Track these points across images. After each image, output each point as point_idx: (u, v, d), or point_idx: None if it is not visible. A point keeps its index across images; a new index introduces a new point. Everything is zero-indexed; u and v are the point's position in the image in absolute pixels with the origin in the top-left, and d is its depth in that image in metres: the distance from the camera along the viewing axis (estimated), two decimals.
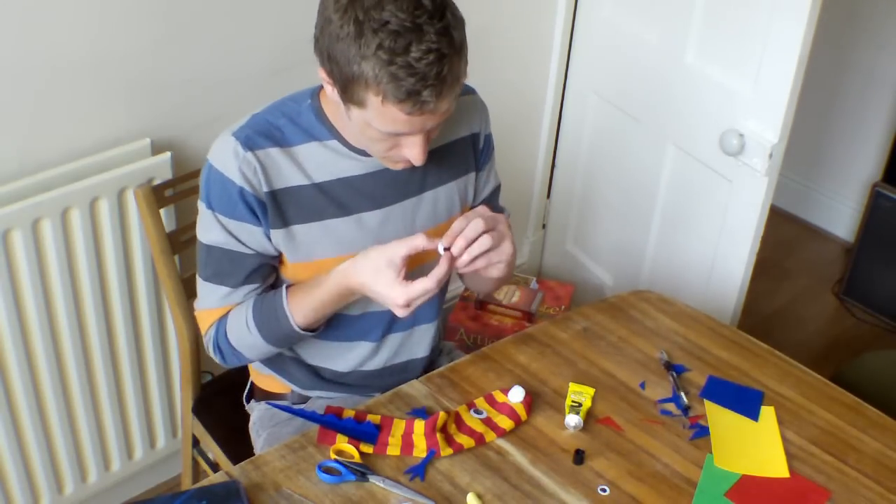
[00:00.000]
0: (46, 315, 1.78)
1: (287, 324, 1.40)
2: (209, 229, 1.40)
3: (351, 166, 1.41)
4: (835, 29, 3.08)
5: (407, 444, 1.36)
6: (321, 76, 1.28)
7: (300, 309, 1.39)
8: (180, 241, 1.78)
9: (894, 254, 3.03)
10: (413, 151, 1.29)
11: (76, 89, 1.74)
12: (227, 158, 1.35)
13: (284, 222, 1.39)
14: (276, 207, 1.38)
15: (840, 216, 3.49)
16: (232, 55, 1.93)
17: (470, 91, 1.54)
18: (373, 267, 1.31)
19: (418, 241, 1.29)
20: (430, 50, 1.17)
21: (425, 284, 1.28)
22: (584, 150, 2.71)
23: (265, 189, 1.36)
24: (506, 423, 1.40)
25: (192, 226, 1.79)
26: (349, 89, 1.23)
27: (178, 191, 1.79)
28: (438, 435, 1.35)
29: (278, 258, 1.44)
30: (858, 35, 3.23)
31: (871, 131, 3.30)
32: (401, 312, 1.32)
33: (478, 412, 1.43)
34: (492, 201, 1.62)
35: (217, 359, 1.50)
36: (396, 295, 1.29)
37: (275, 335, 1.42)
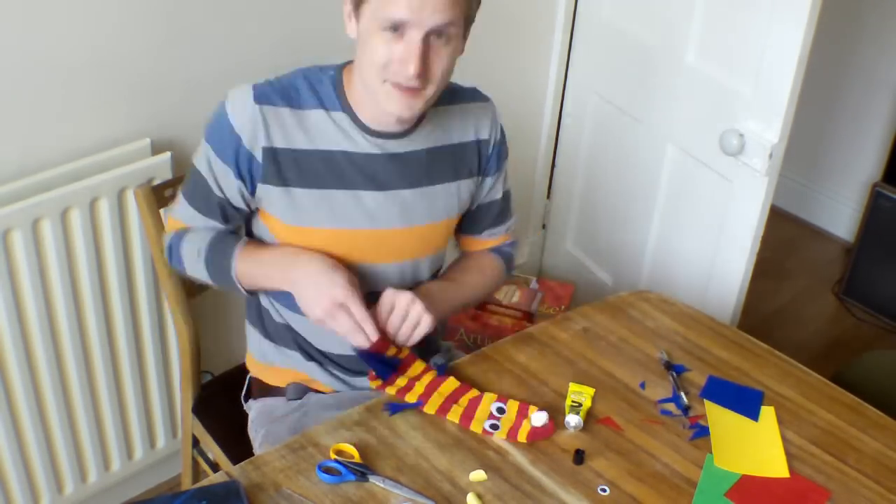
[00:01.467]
0: (46, 315, 1.78)
1: (228, 273, 1.47)
2: (200, 157, 1.47)
3: (355, 143, 1.43)
4: (835, 29, 3.08)
5: (408, 388, 1.44)
6: (345, 13, 1.37)
7: (245, 267, 1.46)
8: None
9: (894, 254, 3.03)
10: (408, 48, 1.29)
11: (76, 89, 1.74)
12: (237, 105, 1.40)
13: (283, 182, 1.42)
14: (275, 165, 1.41)
15: (840, 216, 3.50)
16: (232, 55, 1.93)
17: (484, 98, 1.56)
18: (317, 280, 1.39)
19: (368, 328, 1.39)
20: None
21: (344, 324, 1.39)
22: (584, 150, 2.71)
23: (263, 144, 1.39)
24: (522, 435, 1.39)
25: None
26: None
27: (178, 191, 1.79)
28: (437, 394, 1.43)
29: (244, 215, 1.51)
30: (859, 35, 3.23)
31: (871, 131, 3.31)
32: (316, 313, 1.39)
33: (500, 411, 1.43)
34: (496, 208, 1.64)
35: (165, 255, 1.58)
36: (322, 305, 1.38)
37: (217, 275, 1.50)
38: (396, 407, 1.41)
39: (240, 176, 1.43)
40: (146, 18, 1.77)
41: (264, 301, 1.58)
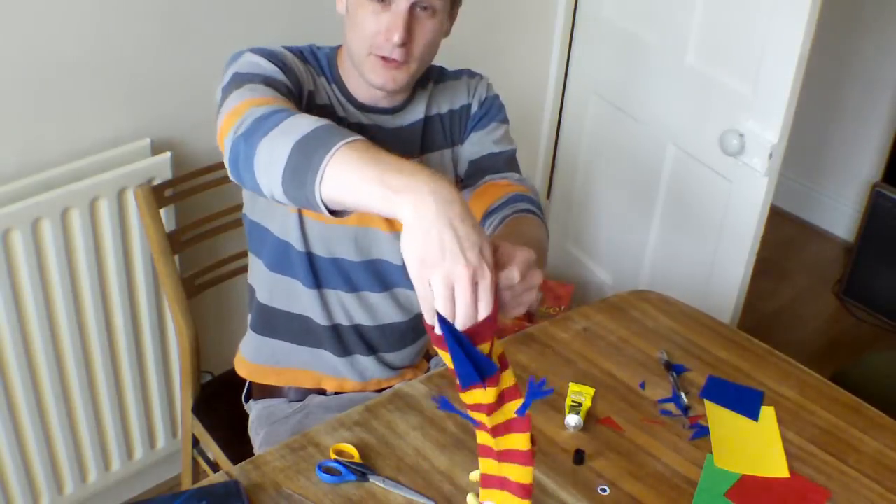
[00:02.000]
0: (46, 315, 1.78)
1: (317, 161, 1.00)
2: (255, 65, 1.27)
3: (351, 113, 1.44)
4: (835, 29, 3.09)
5: (487, 409, 1.01)
6: None
7: (353, 157, 0.99)
8: (180, 241, 1.78)
9: (894, 254, 3.03)
10: (394, 19, 1.31)
11: (76, 89, 1.74)
12: (277, 47, 1.36)
13: None
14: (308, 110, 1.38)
15: (840, 216, 3.50)
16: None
17: (473, 75, 1.57)
18: (457, 226, 0.93)
19: (484, 303, 0.95)
20: None
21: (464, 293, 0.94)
22: (584, 150, 2.71)
23: (310, 88, 1.39)
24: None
25: (192, 226, 1.81)
26: None
27: (177, 191, 1.79)
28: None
29: None
30: (859, 35, 3.23)
31: (871, 131, 3.31)
32: (434, 262, 0.92)
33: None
34: (499, 165, 1.51)
35: (227, 155, 1.13)
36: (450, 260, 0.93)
37: (303, 160, 1.02)
38: (448, 405, 1.07)
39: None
40: (146, 18, 1.77)
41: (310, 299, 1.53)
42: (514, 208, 1.40)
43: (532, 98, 2.70)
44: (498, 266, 0.97)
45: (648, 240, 2.50)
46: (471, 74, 1.57)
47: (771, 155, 1.98)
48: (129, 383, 1.98)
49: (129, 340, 1.94)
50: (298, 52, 1.42)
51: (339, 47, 1.47)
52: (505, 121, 1.58)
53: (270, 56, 1.31)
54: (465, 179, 1.54)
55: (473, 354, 0.97)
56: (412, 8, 1.32)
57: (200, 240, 1.83)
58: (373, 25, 1.33)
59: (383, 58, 1.34)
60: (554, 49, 2.64)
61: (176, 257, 1.76)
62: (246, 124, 1.09)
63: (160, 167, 1.83)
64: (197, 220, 1.81)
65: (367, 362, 1.61)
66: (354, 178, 0.97)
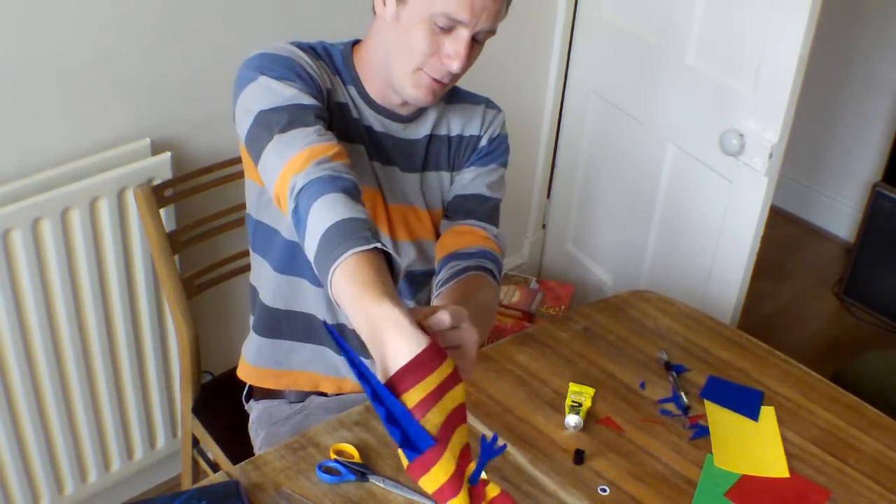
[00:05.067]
0: (46, 315, 1.78)
1: (330, 256, 1.08)
2: (274, 92, 1.27)
3: (366, 114, 1.43)
4: (835, 29, 3.09)
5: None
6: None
7: (351, 269, 1.06)
8: (180, 241, 1.78)
9: (894, 254, 3.03)
10: (456, 46, 1.30)
11: (76, 89, 1.74)
12: (289, 46, 1.34)
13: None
14: (334, 114, 1.37)
15: (840, 216, 3.50)
16: (232, 55, 1.92)
17: (493, 106, 1.56)
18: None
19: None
20: None
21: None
22: (584, 150, 2.71)
23: (328, 86, 1.37)
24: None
25: (193, 226, 1.81)
26: None
27: (178, 191, 1.79)
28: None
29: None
30: (859, 35, 3.23)
31: (871, 131, 3.31)
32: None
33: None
34: (484, 212, 1.53)
35: (292, 220, 1.20)
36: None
37: (320, 259, 1.11)
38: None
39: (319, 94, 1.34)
40: (146, 18, 1.77)
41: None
42: (480, 264, 1.44)
43: (532, 98, 2.70)
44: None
45: (648, 240, 2.50)
46: (490, 105, 1.55)
47: (771, 155, 1.98)
48: (129, 383, 1.98)
49: (129, 340, 1.94)
50: (310, 49, 1.40)
51: (353, 44, 1.45)
52: (504, 164, 1.58)
53: (284, 71, 1.29)
54: (448, 210, 1.54)
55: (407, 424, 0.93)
56: (472, 36, 1.31)
57: (200, 240, 1.83)
58: (431, 45, 1.31)
59: (433, 77, 1.33)
60: (554, 49, 2.64)
61: (176, 257, 1.76)
62: (293, 201, 1.18)
63: (160, 167, 1.83)
64: (197, 220, 1.81)
65: (367, 363, 1.60)
66: (347, 298, 1.04)
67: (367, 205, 1.35)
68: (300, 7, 1.99)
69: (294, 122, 1.25)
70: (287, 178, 1.20)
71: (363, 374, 0.96)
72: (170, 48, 1.83)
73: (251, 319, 1.64)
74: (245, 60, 1.34)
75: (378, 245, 1.07)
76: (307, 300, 1.53)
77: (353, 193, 1.18)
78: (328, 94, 1.37)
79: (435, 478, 0.95)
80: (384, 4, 1.35)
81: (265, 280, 1.56)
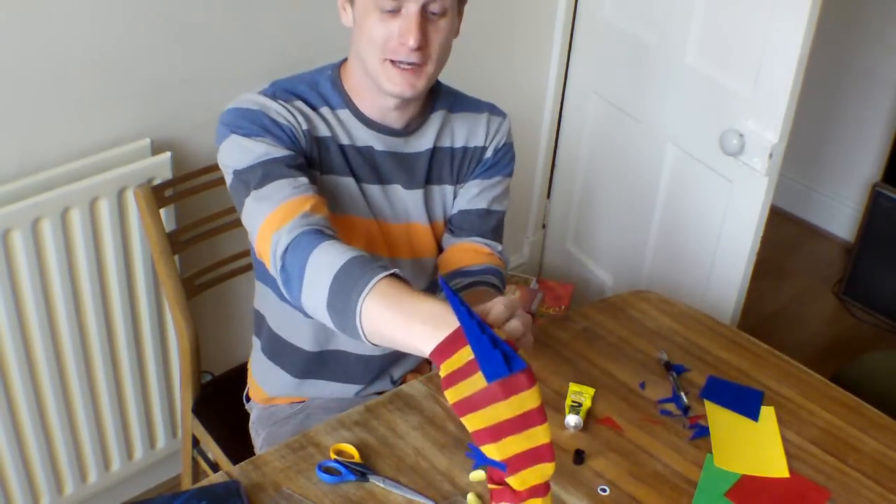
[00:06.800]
0: (46, 315, 1.78)
1: (356, 297, 1.10)
2: (245, 150, 1.30)
3: (361, 136, 1.42)
4: (835, 29, 3.09)
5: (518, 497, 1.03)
6: (339, 4, 1.36)
7: (382, 294, 1.09)
8: (180, 241, 1.78)
9: (894, 254, 3.03)
10: (407, 22, 1.29)
11: (76, 89, 1.74)
12: (258, 98, 1.35)
13: (311, 164, 1.39)
14: (309, 147, 1.37)
15: (840, 216, 3.50)
16: (232, 55, 1.93)
17: (499, 112, 1.55)
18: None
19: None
20: None
21: None
22: (584, 150, 2.71)
23: (305, 127, 1.36)
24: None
25: (192, 226, 1.81)
26: None
27: (177, 191, 1.79)
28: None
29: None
30: (859, 35, 3.23)
31: (871, 131, 3.31)
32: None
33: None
34: (489, 228, 1.55)
35: (280, 279, 1.23)
36: None
37: (337, 299, 1.13)
38: (482, 460, 1.05)
39: (293, 146, 1.35)
40: (146, 18, 1.77)
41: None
42: (485, 279, 1.48)
43: (532, 98, 2.70)
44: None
45: (648, 240, 2.50)
46: (493, 111, 1.53)
47: (771, 155, 1.98)
48: (129, 383, 1.98)
49: (129, 340, 1.94)
50: (284, 92, 1.38)
51: (341, 64, 1.44)
52: (510, 174, 1.57)
53: (252, 128, 1.31)
54: (451, 224, 1.54)
55: (499, 344, 0.98)
56: (423, 9, 1.29)
57: (200, 240, 1.83)
58: (384, 31, 1.30)
59: (399, 65, 1.32)
60: (554, 49, 2.64)
61: (176, 257, 1.76)
62: (279, 260, 1.21)
63: (160, 167, 1.83)
64: (197, 220, 1.81)
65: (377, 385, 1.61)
66: (386, 313, 1.07)
67: (360, 235, 1.40)
68: (300, 7, 2.00)
69: (268, 176, 1.28)
70: (267, 237, 1.23)
71: (469, 312, 1.00)
72: (170, 48, 1.83)
73: (256, 342, 1.64)
74: (221, 113, 1.36)
75: (396, 271, 1.11)
76: (307, 330, 1.53)
77: (341, 241, 1.22)
78: (307, 134, 1.36)
79: (533, 396, 0.99)
80: (345, 12, 1.37)
81: (272, 307, 1.55)
